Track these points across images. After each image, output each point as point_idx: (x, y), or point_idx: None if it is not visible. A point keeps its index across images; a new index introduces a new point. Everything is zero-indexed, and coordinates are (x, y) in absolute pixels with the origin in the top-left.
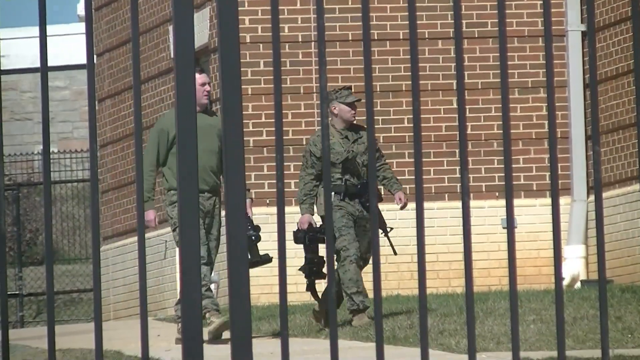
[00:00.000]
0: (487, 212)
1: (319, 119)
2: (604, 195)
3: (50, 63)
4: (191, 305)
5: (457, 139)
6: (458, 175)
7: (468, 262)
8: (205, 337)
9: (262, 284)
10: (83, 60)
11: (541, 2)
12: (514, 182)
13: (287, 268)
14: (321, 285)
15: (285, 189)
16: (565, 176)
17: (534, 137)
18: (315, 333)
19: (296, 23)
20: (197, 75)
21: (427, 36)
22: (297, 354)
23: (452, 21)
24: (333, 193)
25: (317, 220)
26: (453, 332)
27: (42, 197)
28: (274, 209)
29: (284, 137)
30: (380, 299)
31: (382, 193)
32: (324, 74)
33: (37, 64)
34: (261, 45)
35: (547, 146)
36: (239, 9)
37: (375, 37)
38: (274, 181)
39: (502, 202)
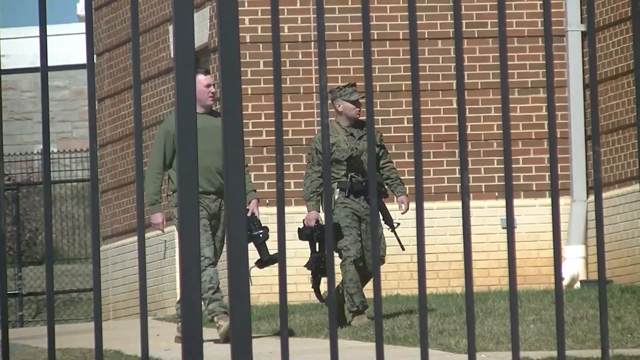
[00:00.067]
0: (487, 212)
1: (319, 118)
2: (604, 195)
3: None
4: (191, 305)
5: (457, 139)
6: (458, 175)
7: (468, 262)
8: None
9: (262, 283)
10: (83, 60)
11: (541, 2)
12: (514, 182)
13: (287, 268)
14: (324, 286)
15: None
16: (564, 176)
17: (533, 137)
18: (315, 333)
19: (296, 23)
20: (202, 77)
21: (427, 36)
22: (296, 353)
23: (452, 21)
24: (338, 190)
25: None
26: (453, 332)
27: (41, 196)
28: (273, 209)
29: (284, 137)
30: (380, 298)
31: (386, 190)
32: (324, 73)
33: (37, 64)
34: (261, 45)
35: (547, 146)
36: (239, 9)
37: (375, 37)
38: (274, 181)
39: (502, 202)
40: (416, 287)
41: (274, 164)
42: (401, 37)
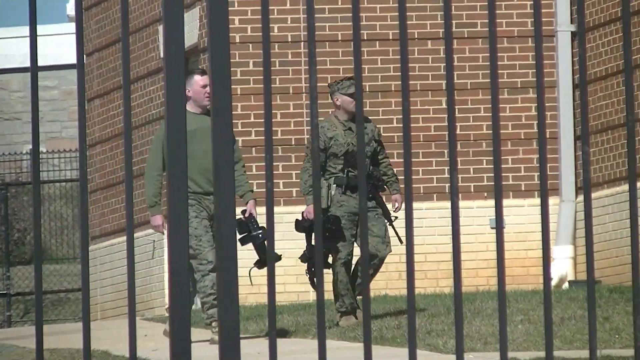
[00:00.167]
0: (476, 213)
1: (309, 119)
2: (593, 195)
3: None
4: (180, 305)
5: (446, 139)
6: (447, 175)
7: (457, 263)
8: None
9: (249, 283)
10: (72, 60)
11: (531, 2)
12: (503, 183)
13: (275, 268)
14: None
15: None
16: (553, 176)
17: (522, 137)
18: (303, 333)
19: (286, 23)
20: (199, 77)
21: (416, 36)
22: (285, 354)
23: (442, 21)
24: (335, 186)
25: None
26: (441, 332)
27: (30, 196)
28: (262, 209)
29: (273, 137)
30: (369, 298)
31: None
32: (314, 74)
33: (27, 64)
34: (250, 45)
35: (536, 146)
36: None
37: (365, 38)
38: (263, 181)
39: (491, 202)
40: (404, 287)
41: (263, 164)
42: (391, 38)
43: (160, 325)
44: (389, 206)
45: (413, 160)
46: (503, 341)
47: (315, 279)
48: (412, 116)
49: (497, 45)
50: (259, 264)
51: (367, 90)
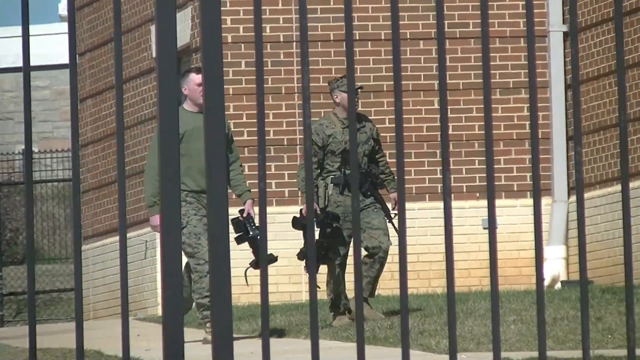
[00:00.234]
0: (468, 213)
1: (301, 119)
2: (585, 196)
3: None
4: (173, 306)
5: (438, 140)
6: (439, 175)
7: (450, 263)
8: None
9: (242, 283)
10: (64, 60)
11: (523, 2)
12: (495, 183)
13: (268, 268)
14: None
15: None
16: (546, 177)
17: (514, 137)
18: (295, 333)
19: (278, 23)
20: (195, 75)
21: (408, 36)
22: (278, 354)
23: (434, 21)
24: (332, 185)
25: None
26: (433, 332)
27: (22, 196)
28: (257, 209)
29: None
30: (362, 298)
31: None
32: (306, 74)
33: (19, 64)
34: (243, 45)
35: (528, 147)
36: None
37: (357, 38)
38: (256, 181)
39: (483, 202)
40: (397, 287)
41: (256, 164)
42: (383, 38)
43: (153, 325)
44: (389, 205)
45: (405, 160)
46: (496, 341)
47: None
48: (404, 116)
49: (489, 45)
50: (255, 264)
51: (360, 90)
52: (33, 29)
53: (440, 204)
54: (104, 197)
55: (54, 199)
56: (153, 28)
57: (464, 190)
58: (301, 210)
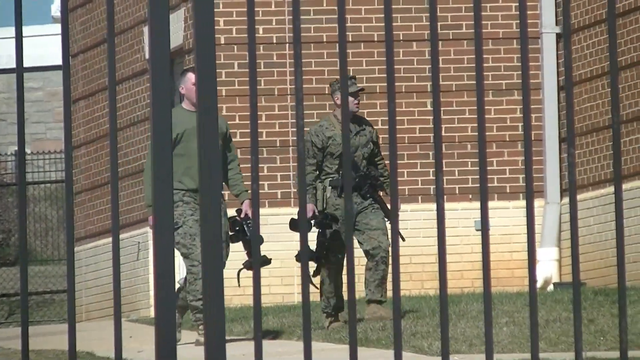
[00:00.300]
0: (461, 215)
1: (294, 120)
2: (578, 197)
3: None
4: (165, 307)
5: (431, 141)
6: (431, 177)
7: (442, 265)
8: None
9: (235, 285)
10: (57, 61)
11: (516, 4)
12: (488, 185)
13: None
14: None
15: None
16: (538, 179)
17: (507, 139)
18: (288, 335)
19: (271, 24)
20: (193, 75)
21: (401, 38)
22: (270, 355)
23: (427, 23)
24: (330, 188)
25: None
26: (425, 334)
27: (15, 197)
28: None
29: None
30: (354, 300)
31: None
32: (299, 75)
33: (12, 65)
34: (235, 46)
35: (521, 148)
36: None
37: (350, 39)
38: (248, 182)
39: (476, 204)
40: (389, 289)
41: (248, 165)
42: (376, 39)
43: (145, 326)
44: (389, 206)
45: (398, 162)
46: (488, 343)
47: (314, 275)
48: (397, 118)
49: (482, 46)
50: (248, 265)
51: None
52: (25, 30)
53: (433, 206)
54: (96, 198)
55: (47, 200)
56: (146, 29)
57: (457, 192)
58: (299, 212)
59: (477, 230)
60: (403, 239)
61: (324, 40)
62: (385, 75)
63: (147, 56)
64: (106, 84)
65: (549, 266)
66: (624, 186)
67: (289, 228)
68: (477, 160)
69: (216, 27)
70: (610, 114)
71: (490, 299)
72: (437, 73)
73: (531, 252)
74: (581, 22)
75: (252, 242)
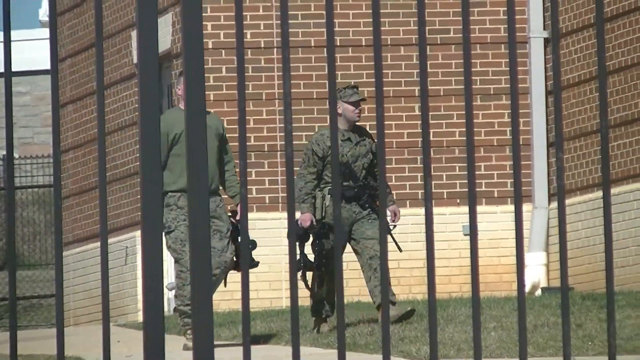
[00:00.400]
0: (449, 219)
1: (282, 125)
2: (566, 202)
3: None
4: (154, 310)
5: (419, 146)
6: (419, 182)
7: (431, 269)
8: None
9: (222, 290)
10: (44, 65)
11: (504, 8)
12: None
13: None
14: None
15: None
16: (526, 183)
17: (495, 144)
18: (276, 339)
19: (259, 29)
20: None
21: (389, 42)
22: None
23: (415, 27)
24: (329, 197)
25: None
26: (414, 339)
27: (3, 202)
28: None
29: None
30: (343, 305)
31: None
32: (287, 79)
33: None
34: (223, 51)
35: (509, 153)
36: None
37: (338, 44)
38: None
39: (464, 209)
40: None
41: (237, 170)
42: (364, 44)
43: (133, 331)
44: (387, 218)
45: (386, 166)
46: (477, 348)
47: (309, 282)
48: (385, 122)
49: (470, 51)
50: (237, 267)
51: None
52: (13, 34)
53: (421, 210)
54: (84, 203)
55: (34, 204)
56: (134, 34)
57: (445, 197)
58: (297, 220)
59: (465, 234)
60: (400, 250)
61: (312, 44)
62: (373, 79)
63: (135, 60)
64: (94, 88)
65: (537, 271)
66: (612, 191)
67: (287, 237)
68: (465, 164)
69: (204, 32)
70: (598, 119)
71: (478, 304)
72: (425, 77)
73: (520, 256)
74: (569, 26)
75: (242, 246)
